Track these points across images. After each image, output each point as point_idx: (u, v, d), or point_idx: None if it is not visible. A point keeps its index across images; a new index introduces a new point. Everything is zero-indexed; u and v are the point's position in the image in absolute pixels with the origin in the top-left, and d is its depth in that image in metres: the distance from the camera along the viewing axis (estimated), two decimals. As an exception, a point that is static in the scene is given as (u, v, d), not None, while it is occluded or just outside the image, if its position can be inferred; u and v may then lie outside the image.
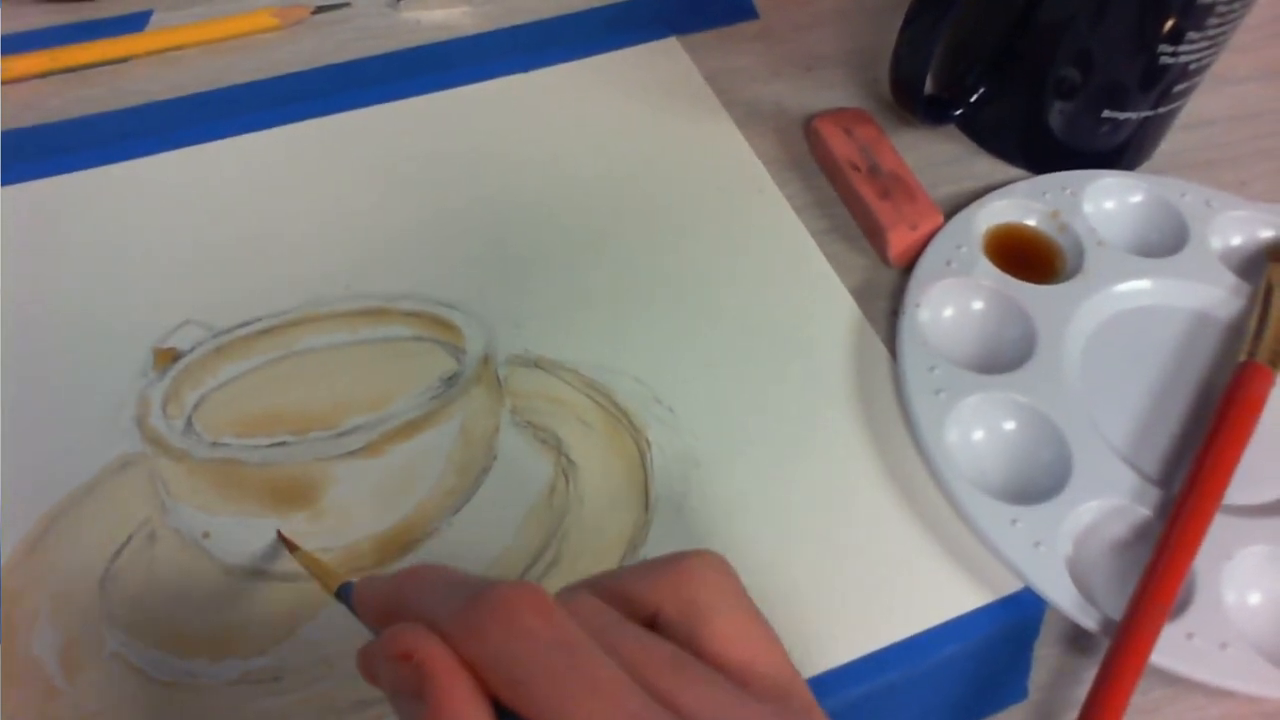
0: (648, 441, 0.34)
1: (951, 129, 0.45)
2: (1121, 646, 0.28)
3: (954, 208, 0.40)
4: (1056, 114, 0.41)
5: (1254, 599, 0.30)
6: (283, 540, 0.31)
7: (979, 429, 0.34)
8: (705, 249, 0.40)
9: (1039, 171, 0.42)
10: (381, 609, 0.22)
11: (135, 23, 0.49)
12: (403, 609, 0.21)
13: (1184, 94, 0.40)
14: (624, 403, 0.35)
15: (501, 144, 0.43)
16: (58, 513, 0.32)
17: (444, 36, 0.49)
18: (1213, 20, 0.36)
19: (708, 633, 0.21)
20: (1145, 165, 0.44)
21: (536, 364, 0.36)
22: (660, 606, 0.21)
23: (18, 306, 0.37)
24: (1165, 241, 0.39)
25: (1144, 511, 0.31)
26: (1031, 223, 0.40)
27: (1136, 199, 0.41)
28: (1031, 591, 0.30)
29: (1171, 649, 0.28)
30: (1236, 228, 0.40)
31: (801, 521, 0.32)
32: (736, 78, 0.47)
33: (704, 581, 0.21)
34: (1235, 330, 0.37)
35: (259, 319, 0.37)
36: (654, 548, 0.31)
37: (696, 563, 0.22)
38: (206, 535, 0.31)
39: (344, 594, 0.25)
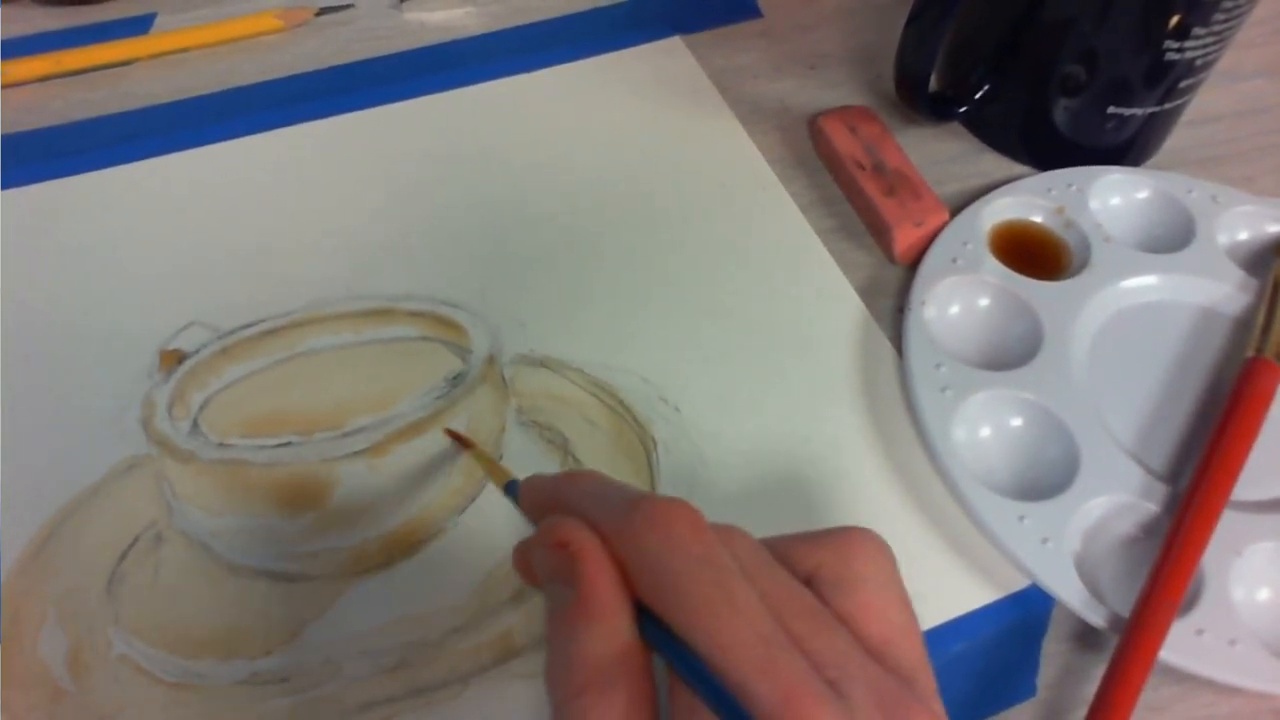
0: (654, 440, 0.34)
1: (956, 126, 0.45)
2: (1130, 643, 0.27)
3: (959, 205, 0.40)
4: (1062, 110, 0.40)
5: (1263, 595, 0.30)
6: (454, 437, 0.32)
7: (986, 426, 0.34)
8: (710, 247, 0.40)
9: (1044, 168, 0.42)
10: (544, 505, 0.23)
11: (139, 25, 0.49)
12: (564, 506, 0.22)
13: (1190, 90, 0.40)
14: (630, 401, 0.35)
15: (505, 144, 0.43)
16: (64, 515, 0.32)
17: (448, 37, 0.49)
18: (1219, 16, 0.36)
19: (854, 601, 0.21)
20: (1151, 161, 0.44)
21: (542, 363, 0.36)
22: (816, 569, 0.22)
23: (22, 309, 0.37)
24: (1172, 237, 0.39)
25: (1152, 508, 0.31)
26: (1037, 219, 0.40)
27: (1142, 195, 0.41)
28: (1039, 588, 0.30)
29: (1180, 646, 0.28)
30: (1243, 223, 0.40)
31: (808, 519, 0.32)
32: (740, 76, 0.47)
33: (863, 553, 0.22)
34: (1242, 325, 0.37)
35: (264, 320, 0.37)
36: (660, 547, 0.31)
37: (859, 536, 0.22)
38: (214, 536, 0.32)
39: (510, 490, 0.27)
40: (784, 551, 0.22)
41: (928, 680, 0.21)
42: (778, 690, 0.18)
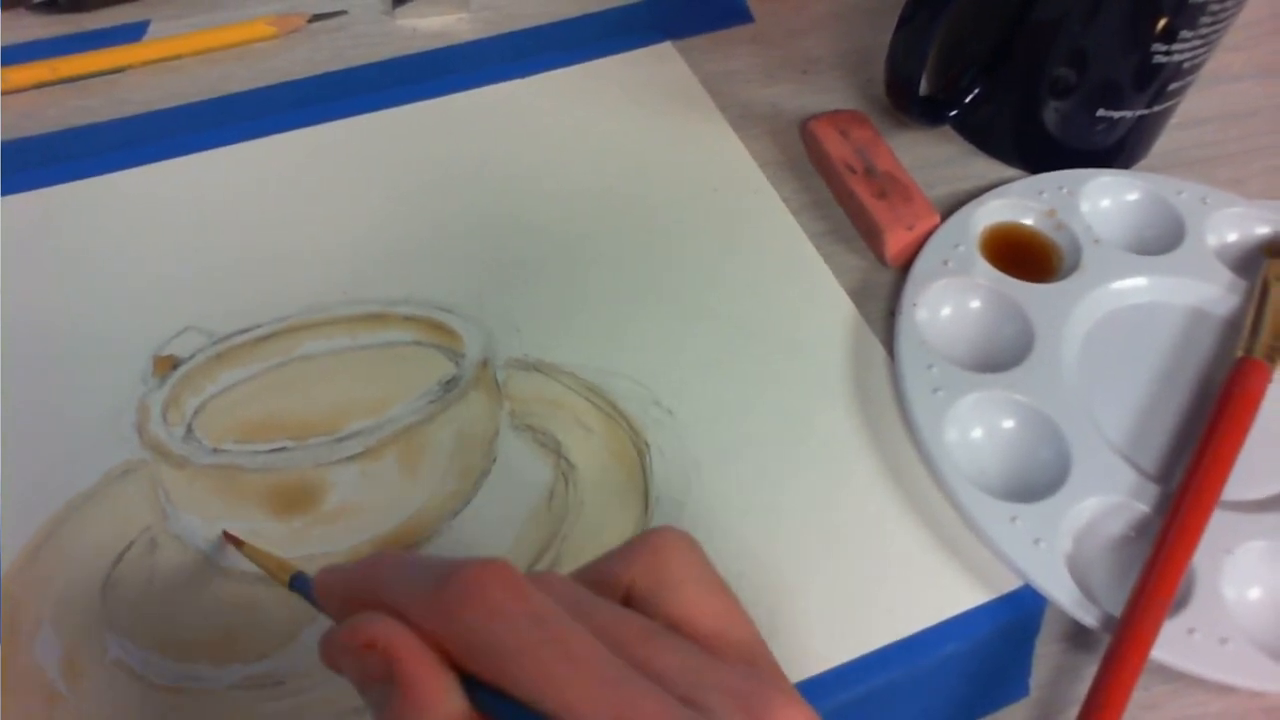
0: (646, 443, 0.34)
1: (947, 130, 0.45)
2: (1122, 642, 0.28)
3: (950, 208, 0.40)
4: (1052, 113, 0.41)
5: (1253, 594, 0.30)
6: (229, 538, 0.31)
7: (978, 427, 0.34)
8: (702, 251, 0.40)
9: (1035, 171, 0.42)
10: (345, 597, 0.22)
11: (133, 33, 0.49)
12: (368, 595, 0.21)
13: (1178, 92, 0.40)
14: (623, 405, 0.35)
15: (499, 149, 0.44)
16: (59, 520, 0.32)
17: (440, 43, 0.49)
18: (1205, 19, 0.36)
19: (677, 603, 0.21)
20: (1141, 164, 0.44)
21: (535, 367, 0.36)
22: (631, 583, 0.21)
23: (18, 315, 0.37)
24: (1161, 239, 0.39)
25: (1143, 508, 0.31)
26: (1028, 222, 0.40)
27: (1132, 197, 0.41)
28: (1031, 589, 0.30)
29: (1172, 645, 0.28)
30: (1232, 224, 0.40)
31: (801, 522, 0.32)
32: (732, 81, 0.47)
33: (672, 555, 0.22)
34: (1232, 326, 0.37)
35: (258, 325, 0.37)
36: (654, 549, 0.31)
37: (663, 539, 0.22)
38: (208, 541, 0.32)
39: (297, 584, 0.25)
40: (595, 578, 0.22)
41: (768, 656, 0.21)
42: None
